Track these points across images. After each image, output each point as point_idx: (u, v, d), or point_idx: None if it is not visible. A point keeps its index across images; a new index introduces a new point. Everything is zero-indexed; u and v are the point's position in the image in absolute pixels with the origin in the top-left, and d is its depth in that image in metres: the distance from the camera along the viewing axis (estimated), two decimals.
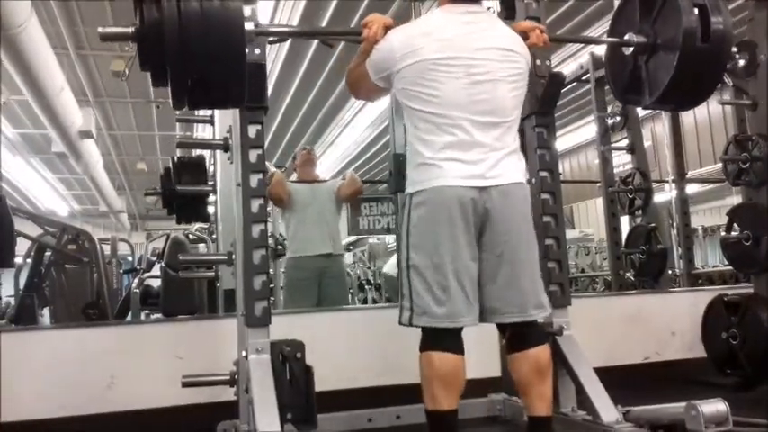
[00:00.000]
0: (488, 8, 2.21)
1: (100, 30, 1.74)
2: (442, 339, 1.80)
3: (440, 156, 1.83)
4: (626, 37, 2.20)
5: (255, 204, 2.07)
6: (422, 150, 1.86)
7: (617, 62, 2.31)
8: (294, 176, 4.35)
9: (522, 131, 2.50)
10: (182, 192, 3.15)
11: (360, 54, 2.05)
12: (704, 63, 2.07)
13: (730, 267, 3.91)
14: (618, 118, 4.38)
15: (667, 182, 4.83)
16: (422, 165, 1.86)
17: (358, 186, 4.15)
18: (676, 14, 2.04)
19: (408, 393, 2.11)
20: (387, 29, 1.97)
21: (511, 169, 1.88)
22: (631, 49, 2.19)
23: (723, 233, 3.13)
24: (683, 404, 1.90)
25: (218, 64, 1.66)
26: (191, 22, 1.59)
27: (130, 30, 1.68)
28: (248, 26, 1.81)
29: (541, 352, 1.90)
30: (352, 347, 2.69)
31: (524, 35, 2.02)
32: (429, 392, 1.79)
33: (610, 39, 2.30)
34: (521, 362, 1.90)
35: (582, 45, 6.97)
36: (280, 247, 4.68)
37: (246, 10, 2.12)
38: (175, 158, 3.43)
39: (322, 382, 2.04)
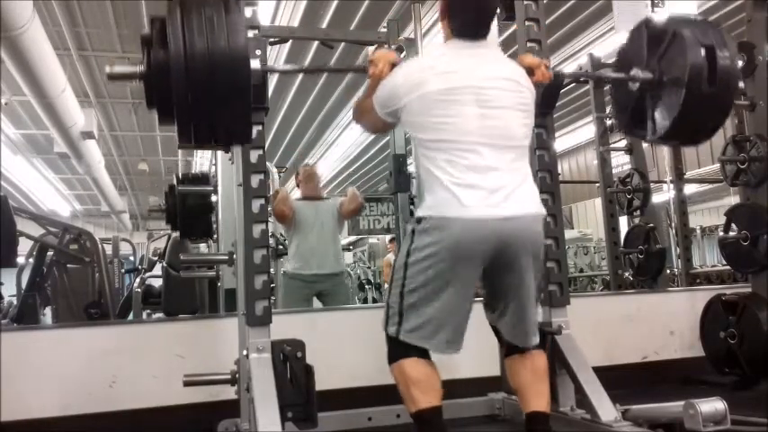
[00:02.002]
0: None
1: (107, 69, 1.77)
2: (412, 348, 1.84)
3: (455, 180, 1.78)
4: (632, 72, 2.18)
5: (256, 204, 2.08)
6: (438, 174, 1.81)
7: (622, 94, 2.30)
8: (297, 193, 4.37)
9: None
10: (186, 210, 3.14)
11: (367, 89, 2.06)
12: (709, 105, 2.07)
13: (728, 267, 3.92)
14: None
15: (666, 182, 4.84)
16: (437, 189, 1.81)
17: (359, 203, 4.20)
18: (683, 54, 2.03)
19: None
20: (392, 66, 1.98)
21: (528, 199, 1.85)
22: (637, 84, 2.18)
23: (721, 233, 3.14)
24: (682, 403, 1.91)
25: (224, 104, 1.68)
26: (197, 64, 1.61)
27: (138, 69, 1.69)
28: (254, 64, 1.81)
29: (537, 356, 1.97)
30: (352, 347, 2.70)
31: (529, 70, 2.01)
32: (408, 398, 1.84)
33: (616, 74, 2.29)
34: (518, 366, 1.98)
35: (581, 46, 7.01)
36: (281, 247, 4.70)
37: (248, 11, 2.15)
38: (180, 175, 3.44)
39: (322, 381, 2.04)
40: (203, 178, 3.48)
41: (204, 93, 1.63)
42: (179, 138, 1.73)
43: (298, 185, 4.34)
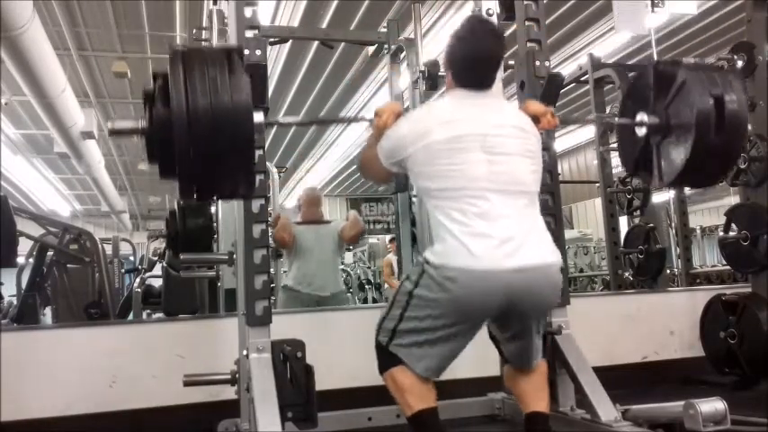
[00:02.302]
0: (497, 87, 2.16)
1: (109, 125, 1.75)
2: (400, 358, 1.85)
3: (465, 230, 1.71)
4: (638, 118, 2.17)
5: (256, 204, 2.09)
6: (446, 223, 1.75)
7: (628, 136, 2.29)
8: (298, 215, 4.36)
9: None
10: (188, 235, 3.11)
11: (371, 139, 2.05)
12: (717, 153, 2.04)
13: (728, 267, 3.92)
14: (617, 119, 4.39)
15: None
16: (447, 237, 1.73)
17: (360, 229, 4.19)
18: (691, 102, 2.01)
19: None
20: (397, 116, 1.96)
21: (541, 247, 1.77)
22: (644, 129, 2.17)
23: (721, 233, 3.14)
24: (682, 403, 1.91)
25: (227, 161, 1.65)
26: (199, 123, 1.58)
27: (139, 125, 1.66)
28: (257, 118, 1.78)
29: (537, 366, 1.97)
30: (352, 347, 2.70)
31: (535, 118, 2.00)
32: (403, 403, 1.84)
33: (623, 120, 2.28)
34: (517, 373, 1.99)
35: (581, 46, 7.01)
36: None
37: (248, 11, 2.16)
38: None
39: (322, 381, 2.05)
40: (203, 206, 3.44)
41: (207, 151, 1.59)
42: (181, 194, 1.69)
43: (299, 208, 4.31)
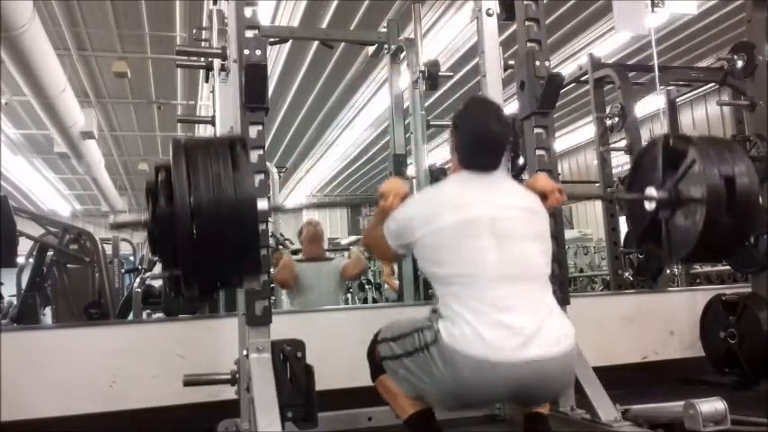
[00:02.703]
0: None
1: (111, 220, 1.74)
2: None
3: (478, 319, 1.65)
4: (647, 192, 2.17)
5: None
6: (458, 309, 1.69)
7: (637, 208, 2.28)
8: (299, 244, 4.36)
9: (521, 132, 2.54)
10: None
11: (377, 216, 2.03)
12: (729, 231, 2.04)
13: (728, 267, 3.92)
14: (616, 119, 4.39)
15: None
16: (459, 322, 1.67)
17: (363, 266, 4.20)
18: (702, 181, 1.99)
19: None
20: (403, 198, 1.95)
21: (556, 335, 1.70)
22: (654, 203, 2.17)
23: None
24: (682, 403, 1.91)
25: (231, 255, 1.62)
26: (202, 218, 1.55)
27: (142, 218, 1.64)
28: (261, 205, 1.73)
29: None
30: (352, 347, 2.70)
31: (542, 195, 2.00)
32: (398, 407, 1.85)
33: (632, 195, 2.28)
34: None
35: (581, 46, 7.01)
36: (281, 247, 4.70)
37: (248, 11, 2.16)
38: None
39: (322, 381, 2.04)
40: None
41: (210, 247, 1.58)
42: (185, 288, 1.66)
43: (301, 243, 4.29)
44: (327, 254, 4.77)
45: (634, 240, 2.42)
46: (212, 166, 1.58)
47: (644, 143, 4.63)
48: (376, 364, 1.90)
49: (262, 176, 2.11)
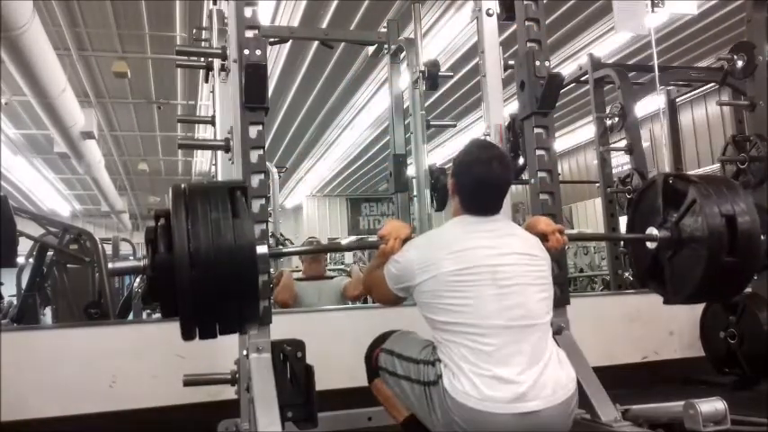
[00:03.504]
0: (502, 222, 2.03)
1: (110, 266, 1.76)
2: None
3: (476, 370, 1.65)
4: (648, 231, 2.17)
5: (256, 204, 2.09)
6: (456, 359, 1.69)
7: (639, 248, 2.29)
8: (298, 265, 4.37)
9: (521, 132, 2.54)
10: None
11: (377, 259, 2.02)
12: (730, 274, 2.04)
13: None
14: (616, 119, 4.40)
15: None
16: (457, 373, 1.68)
17: (362, 290, 4.17)
18: (704, 222, 1.99)
19: None
20: (404, 241, 1.94)
21: (555, 384, 1.69)
22: (655, 243, 2.17)
23: None
24: (682, 403, 1.92)
25: (230, 301, 1.64)
26: (201, 266, 1.56)
27: (141, 264, 1.66)
28: (260, 250, 1.75)
29: None
30: (352, 347, 2.70)
31: (542, 236, 1.99)
32: (394, 410, 1.87)
33: (634, 235, 2.28)
34: None
35: (581, 46, 7.01)
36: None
37: (248, 11, 2.16)
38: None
39: (322, 381, 2.04)
40: None
41: (209, 293, 1.59)
42: (183, 334, 1.69)
43: (302, 262, 4.31)
44: (328, 272, 4.77)
45: (637, 279, 2.42)
46: (211, 212, 1.59)
47: (644, 144, 4.66)
48: (373, 368, 1.92)
49: (261, 176, 2.11)
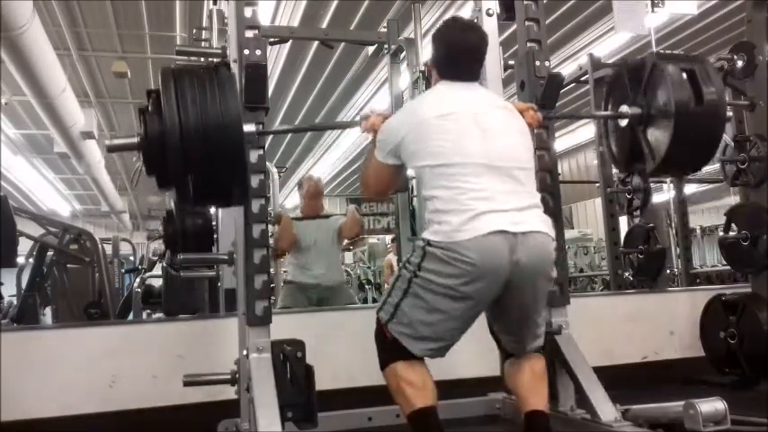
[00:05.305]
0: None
1: (107, 143, 1.87)
2: (402, 350, 1.84)
3: (464, 207, 1.71)
4: (620, 109, 2.23)
5: (256, 204, 2.08)
6: (445, 200, 1.74)
7: (617, 136, 2.36)
8: (298, 209, 4.40)
9: None
10: (186, 236, 3.09)
11: (367, 155, 2.07)
12: (701, 125, 2.11)
13: (728, 267, 3.92)
14: None
15: (665, 182, 4.84)
16: (447, 215, 1.73)
17: (359, 226, 4.32)
18: (665, 82, 2.10)
19: None
20: (384, 118, 2.00)
21: (538, 220, 1.79)
22: (626, 120, 2.23)
23: (721, 233, 3.14)
24: (682, 403, 1.92)
25: (219, 169, 1.75)
26: (191, 133, 1.67)
27: (135, 140, 1.77)
28: (248, 128, 1.87)
29: (536, 360, 1.97)
30: (352, 347, 2.70)
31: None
32: (402, 398, 1.83)
33: (603, 113, 2.35)
34: (516, 368, 1.98)
35: (581, 46, 7.02)
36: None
37: (248, 11, 2.16)
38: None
39: (322, 381, 2.05)
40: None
41: (199, 159, 1.70)
42: (178, 199, 1.82)
43: (301, 198, 4.34)
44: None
45: (621, 167, 2.48)
46: (198, 84, 1.72)
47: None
48: (386, 342, 1.86)
49: (261, 176, 2.11)
